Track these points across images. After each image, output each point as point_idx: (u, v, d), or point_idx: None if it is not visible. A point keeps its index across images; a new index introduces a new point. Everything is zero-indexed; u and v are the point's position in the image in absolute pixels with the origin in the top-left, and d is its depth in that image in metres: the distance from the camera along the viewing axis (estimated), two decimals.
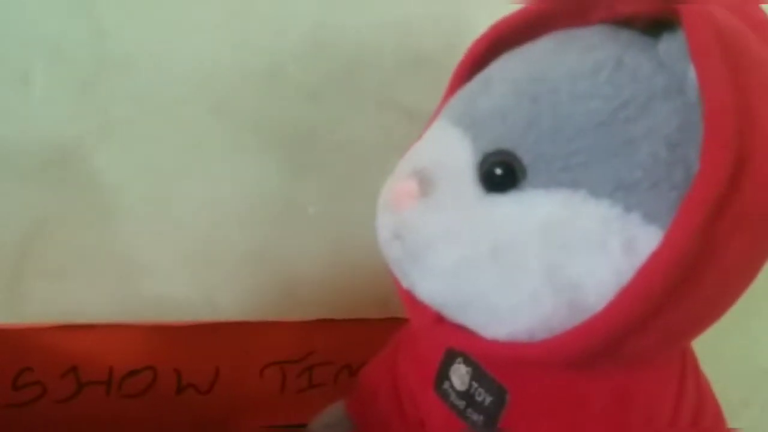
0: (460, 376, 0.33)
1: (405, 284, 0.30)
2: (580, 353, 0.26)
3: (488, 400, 0.32)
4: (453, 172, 0.28)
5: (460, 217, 0.27)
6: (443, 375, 0.34)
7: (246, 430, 0.50)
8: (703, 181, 0.23)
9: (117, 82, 0.46)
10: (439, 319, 0.30)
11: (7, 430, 0.45)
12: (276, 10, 0.46)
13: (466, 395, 0.33)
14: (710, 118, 0.23)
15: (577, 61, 0.27)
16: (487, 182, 0.27)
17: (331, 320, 0.50)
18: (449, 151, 0.28)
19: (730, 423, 0.34)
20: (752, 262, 0.27)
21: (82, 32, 0.44)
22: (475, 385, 0.32)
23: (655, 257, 0.24)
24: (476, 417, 0.32)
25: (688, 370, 0.32)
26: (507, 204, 0.26)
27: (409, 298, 0.31)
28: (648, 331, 0.25)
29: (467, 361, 0.33)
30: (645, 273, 0.24)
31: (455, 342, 0.31)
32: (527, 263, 0.26)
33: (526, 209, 0.26)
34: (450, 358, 0.34)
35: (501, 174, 0.26)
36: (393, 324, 0.42)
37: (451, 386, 0.33)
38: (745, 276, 0.27)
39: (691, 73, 0.25)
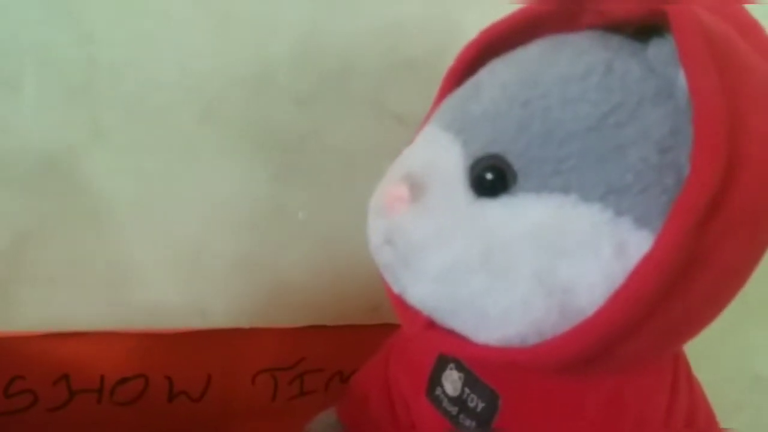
0: (452, 381, 0.33)
1: (396, 289, 0.30)
2: (572, 357, 0.26)
3: (481, 405, 0.32)
4: (444, 176, 0.28)
5: (451, 222, 0.27)
6: (435, 381, 0.34)
7: None
8: (693, 185, 0.23)
9: (107, 89, 0.45)
10: (431, 325, 0.30)
11: None
12: (265, 15, 0.46)
13: (459, 401, 0.32)
14: (700, 122, 0.23)
15: (567, 66, 0.27)
16: (478, 187, 0.27)
17: (322, 326, 0.50)
18: (440, 155, 0.28)
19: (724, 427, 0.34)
20: (743, 265, 0.27)
21: (71, 39, 0.44)
22: (467, 391, 0.32)
23: (646, 261, 0.24)
24: (469, 423, 0.32)
25: (680, 373, 0.32)
26: (498, 208, 0.26)
27: (400, 304, 0.31)
28: (640, 335, 0.25)
29: (459, 367, 0.33)
30: (636, 277, 0.24)
31: (447, 347, 0.31)
32: (518, 268, 0.26)
33: (517, 213, 0.26)
34: (442, 364, 0.34)
35: (492, 178, 0.26)
36: (384, 330, 0.42)
37: (444, 392, 0.33)
38: (737, 279, 0.27)
39: (681, 78, 0.25)
